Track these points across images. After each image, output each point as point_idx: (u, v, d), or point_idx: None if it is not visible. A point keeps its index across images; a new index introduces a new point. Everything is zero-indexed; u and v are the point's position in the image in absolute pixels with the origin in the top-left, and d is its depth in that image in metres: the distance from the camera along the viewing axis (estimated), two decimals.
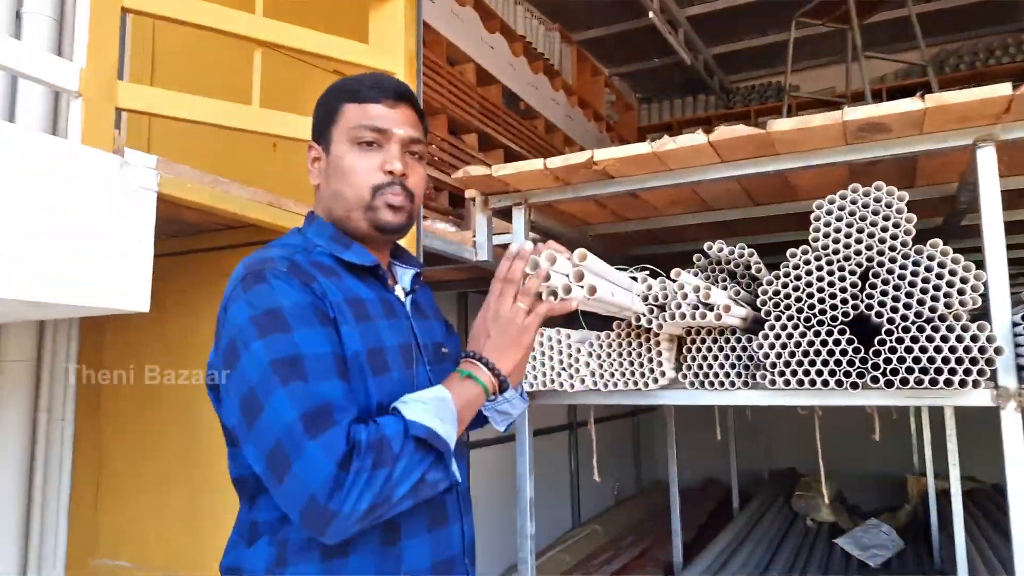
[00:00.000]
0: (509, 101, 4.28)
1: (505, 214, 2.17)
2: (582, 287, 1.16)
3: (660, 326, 1.73)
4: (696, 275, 2.04)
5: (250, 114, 1.50)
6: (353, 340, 0.97)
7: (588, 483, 5.39)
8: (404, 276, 1.16)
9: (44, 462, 1.92)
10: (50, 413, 1.94)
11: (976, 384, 1.47)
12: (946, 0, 5.36)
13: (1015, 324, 1.53)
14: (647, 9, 4.46)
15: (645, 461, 6.81)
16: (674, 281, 1.70)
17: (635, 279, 1.59)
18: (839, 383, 1.62)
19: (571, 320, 1.69)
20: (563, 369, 1.92)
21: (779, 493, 5.33)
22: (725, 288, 1.92)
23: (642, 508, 5.78)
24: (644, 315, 1.74)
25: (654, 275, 1.78)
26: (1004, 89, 1.41)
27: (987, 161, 1.56)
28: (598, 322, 1.90)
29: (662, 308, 1.73)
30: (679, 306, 1.66)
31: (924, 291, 1.53)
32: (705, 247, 1.94)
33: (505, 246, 2.33)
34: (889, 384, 1.53)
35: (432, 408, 0.96)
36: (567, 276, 1.15)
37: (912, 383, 1.51)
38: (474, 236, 2.16)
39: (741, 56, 6.36)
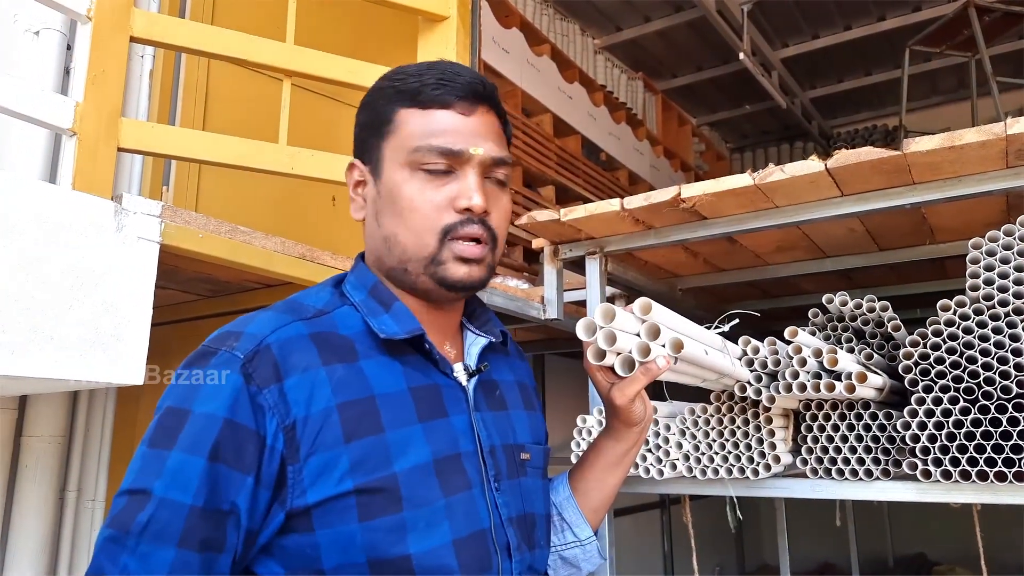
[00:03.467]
0: (589, 152, 4.08)
1: (579, 265, 1.90)
2: (663, 345, 0.87)
3: (772, 399, 1.38)
4: (814, 335, 1.69)
5: (276, 153, 1.31)
6: (329, 479, 0.67)
7: (684, 567, 4.86)
8: (472, 348, 0.86)
9: (71, 546, 1.74)
10: (80, 492, 1.77)
11: None
12: None
13: None
14: (737, 53, 4.18)
15: (749, 541, 6.16)
16: (788, 343, 1.36)
17: (725, 335, 1.26)
18: (1018, 476, 1.22)
19: (655, 394, 1.37)
20: (649, 451, 1.59)
21: None
22: (852, 351, 1.56)
23: None
24: (751, 384, 1.40)
25: (738, 318, 1.44)
26: None
27: None
28: (688, 395, 1.56)
29: (773, 377, 1.39)
30: (796, 375, 1.32)
31: None
32: (824, 300, 1.59)
33: (581, 303, 2.05)
34: None
35: None
36: (638, 335, 0.86)
37: None
38: (543, 291, 1.89)
39: (841, 98, 5.95)
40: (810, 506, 2.34)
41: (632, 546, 4.43)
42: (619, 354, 0.87)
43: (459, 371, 0.82)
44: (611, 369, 0.88)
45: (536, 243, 1.91)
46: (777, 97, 4.75)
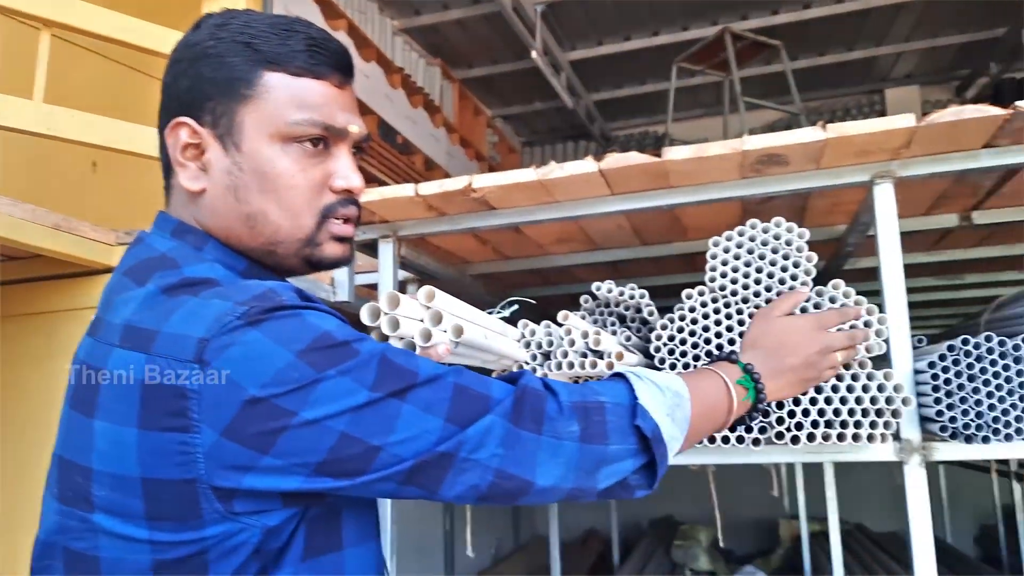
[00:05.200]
0: (385, 134, 4.06)
1: (372, 248, 1.91)
2: (445, 331, 0.93)
3: (545, 375, 1.51)
4: (584, 318, 1.85)
5: (29, 110, 1.17)
6: None
7: (464, 543, 5.06)
8: None
9: None
10: None
11: (883, 438, 1.35)
12: (810, 59, 5.69)
13: (917, 372, 1.43)
14: (530, 50, 4.39)
15: (524, 515, 6.56)
16: (560, 325, 1.49)
17: (507, 319, 1.36)
18: (740, 439, 1.45)
19: None
20: None
21: (658, 543, 5.24)
22: (615, 333, 1.74)
23: (521, 566, 5.51)
24: (528, 363, 1.52)
25: (517, 304, 1.56)
26: (907, 120, 1.32)
27: (885, 198, 1.48)
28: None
29: (547, 356, 1.51)
30: (566, 354, 1.45)
31: None
32: (593, 288, 1.75)
33: (372, 286, 2.06)
34: (795, 440, 1.38)
35: (667, 401, 0.77)
36: (421, 320, 0.91)
37: (820, 439, 1.36)
38: (332, 273, 1.87)
39: (621, 103, 6.48)
40: None
41: (414, 527, 4.51)
42: (402, 339, 0.90)
43: None
44: None
45: None
46: (564, 96, 5.07)
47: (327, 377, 0.60)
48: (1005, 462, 3.91)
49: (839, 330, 1.16)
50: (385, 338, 0.90)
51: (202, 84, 0.73)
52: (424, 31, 4.95)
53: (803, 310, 1.33)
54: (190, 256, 0.73)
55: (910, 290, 3.08)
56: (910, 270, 2.63)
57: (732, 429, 1.27)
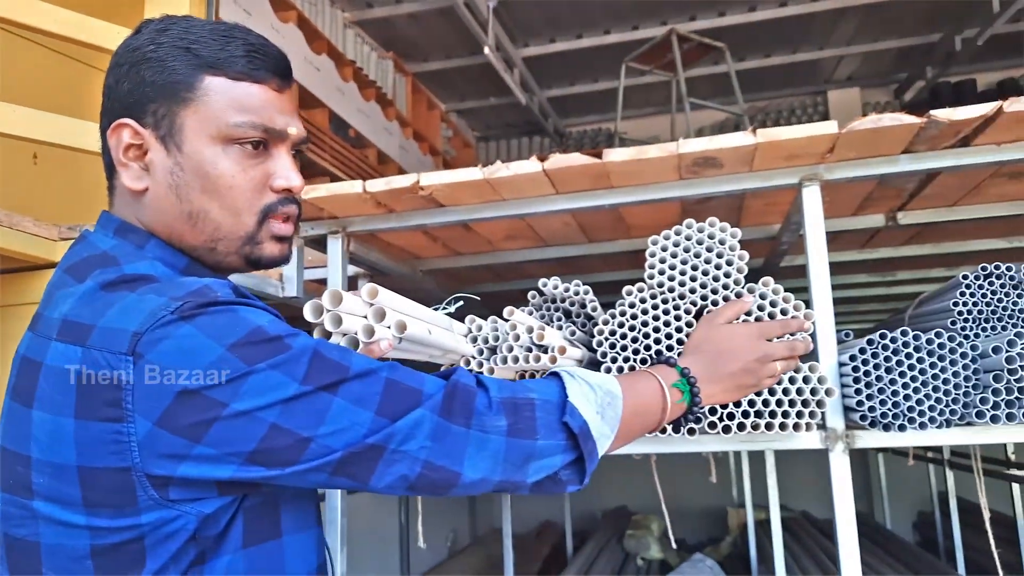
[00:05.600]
0: (337, 128, 4.04)
1: (321, 244, 1.92)
2: (388, 327, 0.96)
3: (491, 370, 1.55)
4: (531, 314, 1.90)
5: None
6: None
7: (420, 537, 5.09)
8: None
9: None
10: None
11: (808, 427, 1.43)
12: (757, 60, 5.84)
13: (842, 365, 1.51)
14: (483, 45, 4.41)
15: (481, 508, 6.61)
16: (506, 321, 1.53)
17: (453, 315, 1.40)
18: (676, 429, 1.52)
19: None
20: None
21: (611, 533, 5.35)
22: (561, 328, 1.79)
23: (477, 559, 5.57)
24: (474, 357, 1.56)
25: (462, 300, 1.60)
26: (830, 127, 1.40)
27: (812, 200, 1.56)
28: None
29: (493, 351, 1.55)
30: (511, 348, 1.49)
31: None
32: (540, 284, 1.80)
33: (322, 281, 2.07)
34: (726, 430, 1.45)
35: (598, 399, 0.81)
36: (365, 317, 0.94)
37: (749, 428, 1.44)
38: (282, 268, 1.88)
39: (575, 101, 6.55)
40: None
41: (368, 519, 4.52)
42: (345, 335, 0.93)
43: None
44: None
45: None
46: (517, 92, 5.10)
47: (257, 370, 0.63)
48: (939, 450, 4.12)
49: (781, 340, 1.21)
50: (328, 335, 0.93)
51: (144, 87, 0.76)
52: (376, 24, 4.92)
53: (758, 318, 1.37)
54: (131, 254, 0.75)
55: (846, 286, 3.24)
56: (845, 267, 2.77)
57: (676, 429, 1.32)
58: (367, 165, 4.27)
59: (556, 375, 0.85)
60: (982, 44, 4.75)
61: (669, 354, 1.30)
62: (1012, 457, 3.64)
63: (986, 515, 2.02)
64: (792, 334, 1.21)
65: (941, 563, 4.05)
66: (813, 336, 1.52)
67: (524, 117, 6.59)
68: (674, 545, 2.58)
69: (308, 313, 0.92)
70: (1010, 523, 3.88)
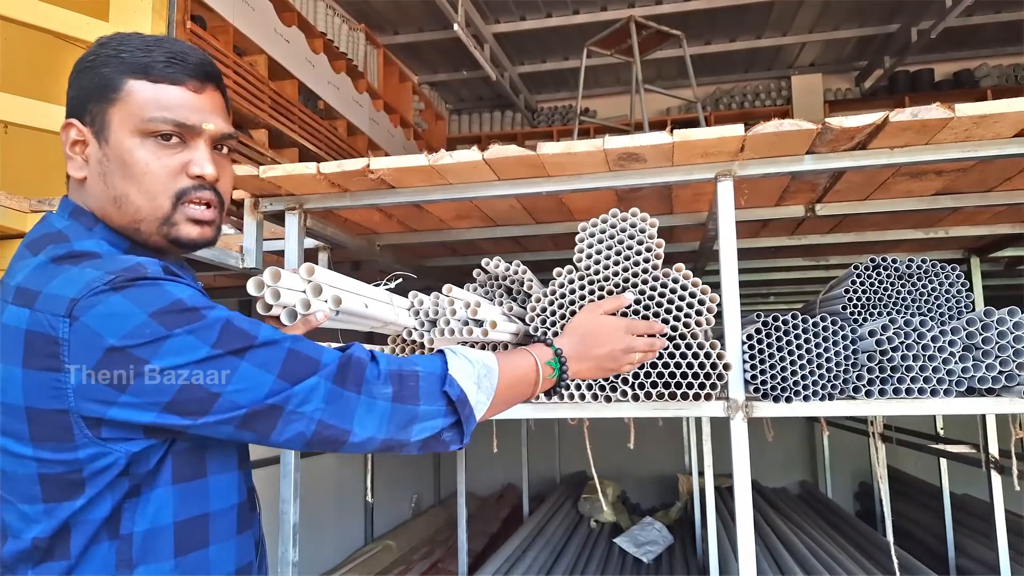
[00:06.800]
0: (307, 99, 4.11)
1: (280, 218, 2.04)
2: (325, 300, 1.10)
3: (431, 341, 1.71)
4: (475, 291, 2.05)
5: None
6: None
7: (383, 497, 5.28)
8: None
9: None
10: None
11: (709, 397, 1.61)
12: (722, 44, 5.98)
13: (744, 341, 1.69)
14: (452, 21, 4.49)
15: (446, 472, 6.83)
16: (446, 296, 1.68)
17: (392, 291, 1.54)
18: (595, 396, 1.69)
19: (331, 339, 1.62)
20: None
21: (568, 496, 5.58)
22: (501, 304, 1.94)
23: (440, 520, 5.79)
24: (415, 329, 1.71)
25: (400, 278, 1.75)
26: (738, 130, 1.55)
27: (726, 193, 1.71)
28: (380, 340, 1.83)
29: (434, 323, 1.71)
30: (448, 322, 1.65)
31: (668, 311, 1.64)
32: (483, 263, 1.95)
33: (280, 252, 2.20)
34: (636, 398, 1.63)
35: (476, 372, 0.94)
36: (303, 292, 1.08)
37: (655, 397, 1.61)
38: (241, 242, 2.00)
39: (546, 77, 6.64)
40: (499, 436, 2.76)
41: (337, 480, 4.70)
42: (284, 307, 1.08)
43: None
44: (277, 319, 1.09)
45: (237, 194, 2.01)
46: (487, 68, 5.18)
47: (175, 335, 0.77)
48: (864, 421, 4.36)
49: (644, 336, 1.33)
50: (269, 307, 1.07)
51: (83, 91, 0.89)
52: None
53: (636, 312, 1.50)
54: (81, 234, 0.88)
55: (784, 268, 3.42)
56: (781, 252, 2.95)
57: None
58: (336, 137, 4.35)
59: (441, 352, 0.97)
60: (935, 37, 4.93)
61: (549, 332, 1.46)
62: (940, 432, 3.89)
63: (883, 485, 2.23)
64: (653, 335, 1.33)
65: (876, 533, 4.32)
66: (719, 316, 1.70)
67: (496, 91, 6.68)
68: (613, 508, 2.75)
69: (251, 288, 1.06)
70: (937, 492, 4.15)
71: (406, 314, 1.67)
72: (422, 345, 1.79)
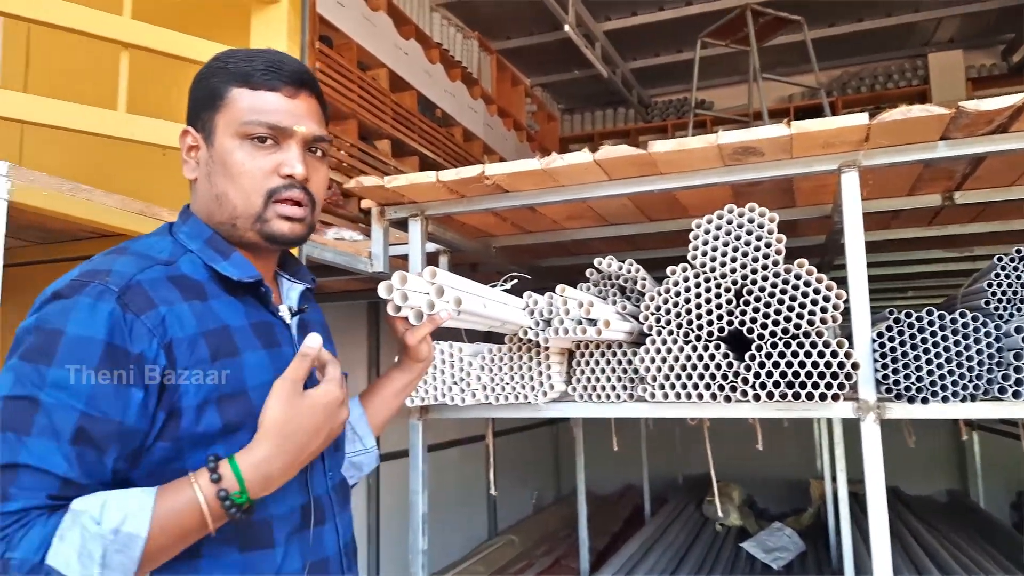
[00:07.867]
0: (425, 108, 4.27)
1: (404, 225, 2.16)
2: (447, 301, 1.17)
3: (547, 340, 1.75)
4: (588, 290, 2.08)
5: (115, 120, 1.44)
6: (200, 388, 0.84)
7: (506, 493, 5.40)
8: (291, 293, 1.05)
9: None
10: None
11: (837, 397, 1.54)
12: (848, 25, 5.64)
13: (874, 340, 1.61)
14: (563, 23, 4.52)
15: (566, 469, 6.87)
16: (560, 296, 1.72)
17: (509, 291, 1.59)
18: (713, 396, 1.67)
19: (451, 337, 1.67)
20: (455, 383, 1.91)
21: (691, 498, 5.47)
22: (615, 303, 1.96)
23: (560, 517, 5.83)
24: (531, 328, 1.75)
25: (516, 279, 1.77)
26: (862, 119, 1.49)
27: (850, 185, 1.64)
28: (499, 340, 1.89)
29: (548, 323, 1.75)
30: (562, 321, 1.68)
31: (791, 308, 1.59)
32: (596, 262, 1.97)
33: (404, 257, 2.32)
34: (756, 398, 1.59)
35: (100, 550, 0.74)
36: (428, 294, 1.15)
37: (777, 397, 1.57)
38: (371, 246, 2.13)
39: (659, 71, 6.53)
40: (619, 435, 2.78)
41: (461, 474, 4.86)
42: (412, 308, 1.15)
43: (283, 311, 1.00)
44: (406, 319, 1.16)
45: (364, 203, 2.14)
46: (599, 66, 5.17)
47: (9, 360, 0.80)
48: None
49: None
50: (398, 308, 1.15)
51: (197, 101, 0.98)
52: (460, 5, 5.10)
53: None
54: (164, 230, 0.97)
55: (921, 261, 3.20)
56: (915, 243, 2.77)
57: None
58: (453, 144, 4.49)
59: (56, 526, 0.75)
60: None
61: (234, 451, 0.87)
62: None
63: None
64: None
65: None
66: (847, 313, 1.63)
67: (608, 88, 6.63)
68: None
69: (382, 291, 1.14)
70: None
71: (522, 314, 1.72)
72: (538, 344, 1.83)
